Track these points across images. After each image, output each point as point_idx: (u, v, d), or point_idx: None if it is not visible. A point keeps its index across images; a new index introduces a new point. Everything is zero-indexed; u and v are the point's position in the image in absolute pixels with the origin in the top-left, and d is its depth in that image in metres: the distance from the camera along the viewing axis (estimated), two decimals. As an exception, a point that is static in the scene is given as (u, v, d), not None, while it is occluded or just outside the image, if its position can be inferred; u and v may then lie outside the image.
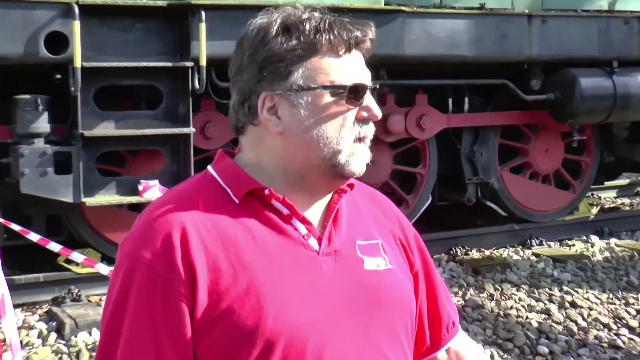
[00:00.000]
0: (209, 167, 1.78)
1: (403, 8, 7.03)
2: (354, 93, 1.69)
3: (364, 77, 1.72)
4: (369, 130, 1.73)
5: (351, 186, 1.80)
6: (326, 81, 1.68)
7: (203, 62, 6.08)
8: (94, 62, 5.96)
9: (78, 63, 5.75)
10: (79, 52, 5.75)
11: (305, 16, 1.70)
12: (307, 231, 1.71)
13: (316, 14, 1.71)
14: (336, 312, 1.67)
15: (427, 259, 1.95)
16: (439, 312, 1.95)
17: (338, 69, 1.69)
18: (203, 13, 6.06)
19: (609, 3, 8.32)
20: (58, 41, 5.85)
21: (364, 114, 1.71)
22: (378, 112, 1.73)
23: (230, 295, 1.60)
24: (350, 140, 1.69)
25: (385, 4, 7.00)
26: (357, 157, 1.71)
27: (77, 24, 5.74)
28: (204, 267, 1.61)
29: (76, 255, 6.07)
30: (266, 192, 1.70)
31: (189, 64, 6.15)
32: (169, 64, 6.17)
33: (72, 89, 5.83)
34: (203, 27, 6.04)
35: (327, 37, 1.67)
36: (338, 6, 6.55)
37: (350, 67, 1.70)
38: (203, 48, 6.04)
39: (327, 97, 1.68)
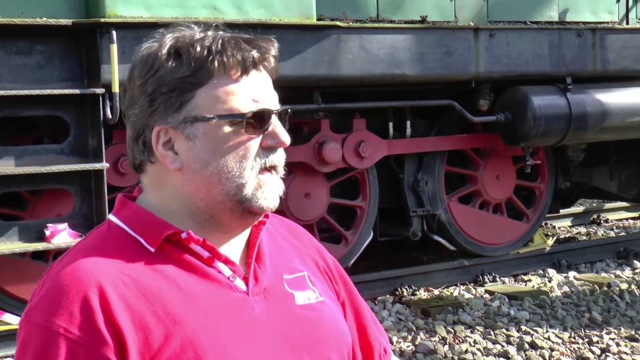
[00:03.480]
0: (111, 217, 1.77)
1: (338, 23, 7.05)
2: (256, 120, 1.70)
3: (268, 100, 1.73)
4: (277, 158, 1.75)
5: (267, 217, 1.83)
6: (222, 110, 1.69)
7: (116, 89, 5.96)
8: (-13, 91, 5.80)
9: (-31, 92, 5.60)
10: (-30, 79, 5.60)
11: (197, 36, 1.70)
12: (231, 272, 1.74)
13: (210, 33, 1.71)
14: (277, 354, 1.70)
15: (350, 286, 1.99)
16: (369, 340, 1.98)
17: (235, 94, 1.70)
18: (114, 32, 5.97)
19: (559, 14, 8.48)
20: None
21: (270, 141, 1.73)
22: (286, 138, 1.74)
23: (165, 353, 1.60)
24: (255, 172, 1.71)
25: (317, 19, 6.99)
26: (265, 190, 1.73)
27: (-34, 47, 5.60)
28: (130, 328, 1.60)
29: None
30: (184, 235, 1.71)
31: (100, 90, 6.05)
32: (76, 91, 6.04)
33: (-36, 121, 5.67)
34: (114, 48, 5.94)
35: (220, 59, 1.68)
36: (265, 22, 6.55)
37: (249, 92, 1.71)
38: (115, 72, 5.93)
39: (226, 127, 1.69)
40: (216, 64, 1.67)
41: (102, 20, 6.04)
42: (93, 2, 6.14)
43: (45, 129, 6.67)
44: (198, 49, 1.68)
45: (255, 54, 1.70)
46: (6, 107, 5.95)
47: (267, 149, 1.72)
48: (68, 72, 6.14)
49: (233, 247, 1.77)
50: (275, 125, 1.73)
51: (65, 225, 5.99)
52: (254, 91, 1.71)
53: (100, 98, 6.07)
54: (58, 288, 1.62)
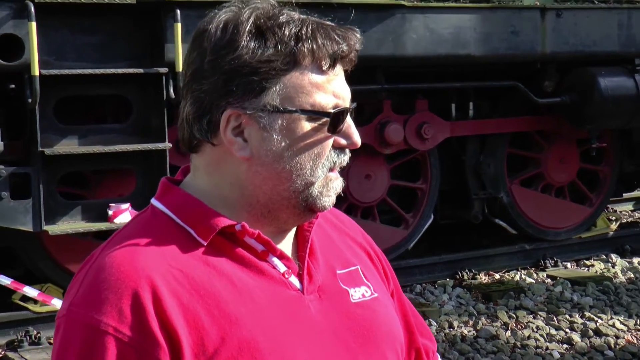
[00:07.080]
0: (156, 203, 1.64)
1: (403, 2, 6.98)
2: (337, 119, 1.60)
3: (346, 97, 1.63)
4: (346, 159, 1.66)
5: None
6: (306, 104, 1.58)
7: (179, 68, 5.94)
8: (53, 70, 5.79)
9: (36, 71, 5.59)
10: (36, 58, 5.59)
11: (283, 18, 1.57)
12: (286, 268, 1.64)
13: (295, 16, 1.59)
14: (333, 356, 1.62)
15: (395, 278, 1.91)
16: (415, 337, 1.89)
17: (321, 88, 1.59)
18: (178, 11, 5.95)
19: (629, -8, 8.31)
20: (10, 46, 5.67)
21: (343, 141, 1.64)
22: (358, 140, 1.65)
23: (221, 355, 1.51)
24: (325, 171, 1.62)
25: (382, -2, 6.91)
26: (330, 190, 1.64)
27: (33, 26, 5.59)
28: (184, 328, 1.50)
29: (29, 290, 5.89)
30: (238, 227, 1.59)
31: (163, 70, 6.04)
32: (140, 71, 6.04)
33: (30, 100, 5.66)
34: (179, 27, 5.92)
35: (310, 48, 1.56)
36: (329, 1, 6.45)
37: (333, 87, 1.60)
38: (179, 52, 5.92)
39: (305, 123, 1.59)
40: (306, 51, 1.56)
41: (167, -1, 6.02)
42: (157, -19, 6.12)
43: (109, 109, 6.67)
44: (286, 32, 1.55)
45: (344, 47, 1.58)
46: (71, 86, 5.96)
47: (337, 148, 1.63)
48: (132, 52, 6.14)
49: (284, 242, 1.67)
50: (350, 125, 1.63)
51: (127, 205, 5.99)
52: (336, 87, 1.60)
53: (164, 78, 6.06)
54: (104, 282, 1.50)
